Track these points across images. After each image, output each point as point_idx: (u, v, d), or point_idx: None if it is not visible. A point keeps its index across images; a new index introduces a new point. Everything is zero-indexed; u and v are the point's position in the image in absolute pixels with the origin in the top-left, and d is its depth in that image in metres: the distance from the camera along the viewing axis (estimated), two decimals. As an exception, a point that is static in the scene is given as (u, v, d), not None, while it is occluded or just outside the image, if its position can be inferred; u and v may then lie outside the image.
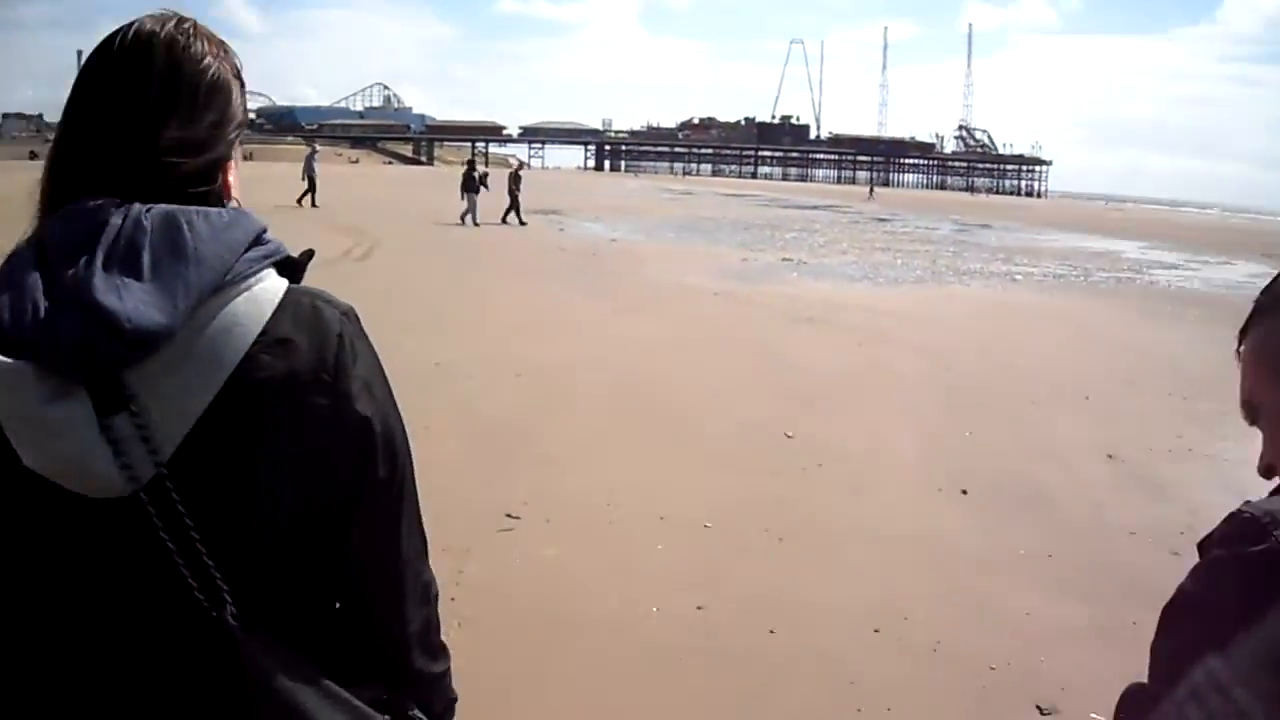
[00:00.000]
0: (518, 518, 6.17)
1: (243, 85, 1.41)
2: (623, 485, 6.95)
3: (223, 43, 1.40)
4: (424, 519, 1.49)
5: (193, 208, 1.27)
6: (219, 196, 1.35)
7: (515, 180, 31.83)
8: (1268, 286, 1.30)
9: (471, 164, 32.06)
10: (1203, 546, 1.17)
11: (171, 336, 1.21)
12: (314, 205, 32.24)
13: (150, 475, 1.22)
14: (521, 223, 30.66)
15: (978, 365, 12.41)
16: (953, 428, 9.18)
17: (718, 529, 6.24)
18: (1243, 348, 1.30)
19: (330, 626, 1.42)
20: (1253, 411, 1.29)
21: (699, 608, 5.11)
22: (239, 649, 1.27)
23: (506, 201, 30.85)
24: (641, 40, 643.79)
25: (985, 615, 5.25)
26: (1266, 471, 1.28)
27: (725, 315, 15.46)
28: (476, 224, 29.12)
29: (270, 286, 1.32)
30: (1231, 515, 1.14)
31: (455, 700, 1.62)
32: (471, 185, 30.10)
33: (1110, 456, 8.39)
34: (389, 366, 1.45)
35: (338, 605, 1.44)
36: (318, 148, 41.79)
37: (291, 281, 1.37)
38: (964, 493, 7.20)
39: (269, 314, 1.30)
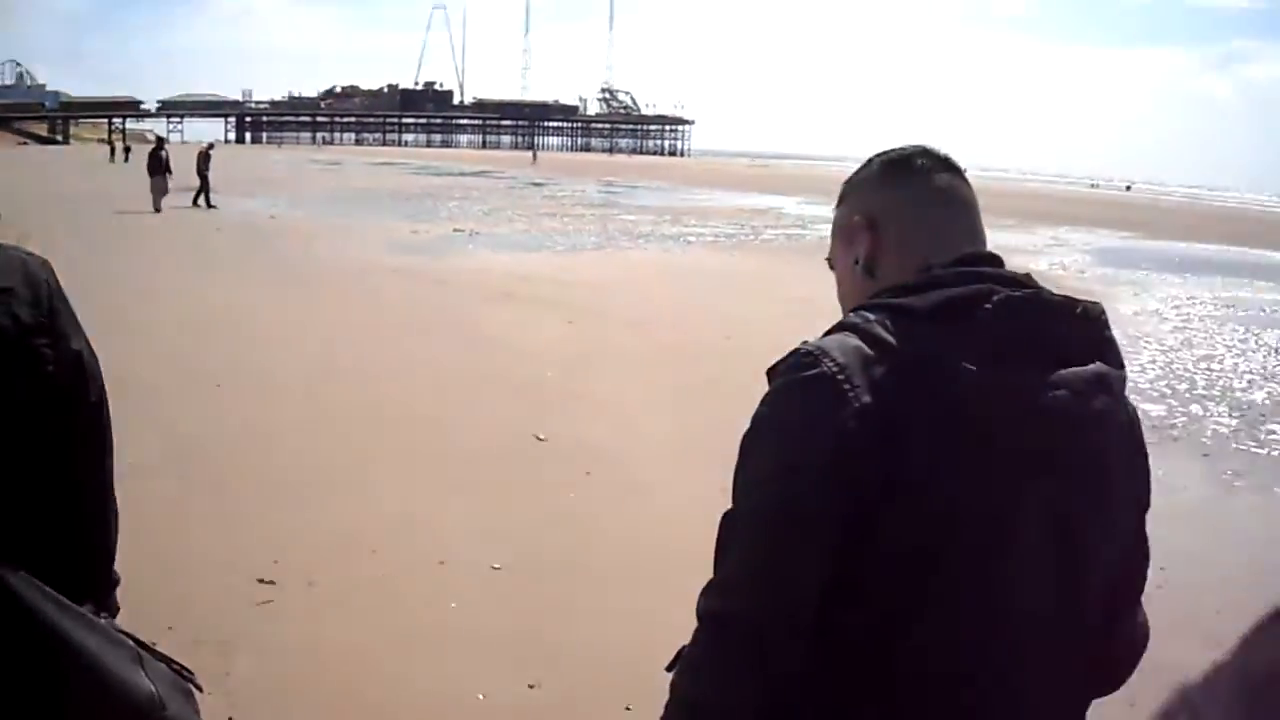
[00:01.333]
0: (273, 582, 4.90)
1: None
2: (379, 521, 5.83)
3: None
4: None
5: None
6: None
7: (205, 160, 28.89)
8: (848, 179, 1.62)
9: (160, 142, 28.59)
10: (770, 375, 1.42)
11: None
12: None
13: None
14: (210, 205, 27.83)
15: (695, 338, 11.98)
16: (708, 415, 8.57)
17: (509, 570, 5.26)
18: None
19: (57, 554, 1.59)
20: (831, 266, 1.63)
21: (531, 686, 4.14)
22: None
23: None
24: (280, 7, 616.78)
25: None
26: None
27: (415, 295, 14.45)
28: (158, 210, 25.90)
29: None
30: (793, 351, 1.39)
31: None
32: (158, 167, 26.81)
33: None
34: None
35: (61, 530, 1.63)
36: None
37: None
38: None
39: None
